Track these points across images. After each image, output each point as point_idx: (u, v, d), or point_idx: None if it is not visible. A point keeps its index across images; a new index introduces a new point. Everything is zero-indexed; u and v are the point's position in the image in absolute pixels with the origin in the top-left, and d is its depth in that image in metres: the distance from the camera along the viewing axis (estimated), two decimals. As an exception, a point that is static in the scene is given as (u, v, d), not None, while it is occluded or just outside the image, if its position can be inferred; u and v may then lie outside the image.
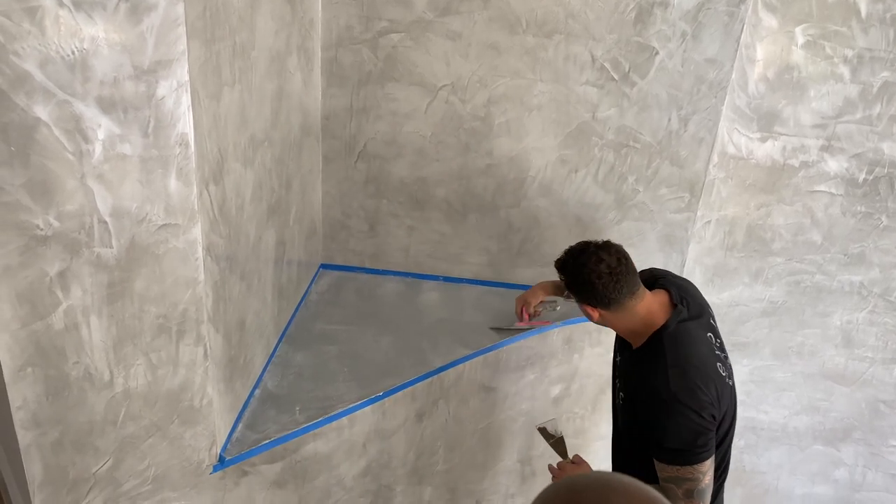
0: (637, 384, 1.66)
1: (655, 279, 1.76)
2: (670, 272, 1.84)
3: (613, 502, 0.70)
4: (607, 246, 1.66)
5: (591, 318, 1.69)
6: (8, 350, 1.17)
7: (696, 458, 1.53)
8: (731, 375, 1.66)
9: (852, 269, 2.40)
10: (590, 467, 1.82)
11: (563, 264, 1.70)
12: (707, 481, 1.54)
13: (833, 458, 2.76)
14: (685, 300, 1.68)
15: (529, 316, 2.10)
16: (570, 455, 1.85)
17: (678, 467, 1.54)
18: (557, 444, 1.87)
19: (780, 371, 2.60)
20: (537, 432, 1.90)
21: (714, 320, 1.73)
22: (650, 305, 1.64)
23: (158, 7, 1.13)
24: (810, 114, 2.17)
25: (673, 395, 1.52)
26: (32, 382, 1.22)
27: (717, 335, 1.70)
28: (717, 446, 1.65)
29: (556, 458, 1.86)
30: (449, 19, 2.02)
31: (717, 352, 1.64)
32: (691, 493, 1.53)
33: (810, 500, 2.86)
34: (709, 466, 1.54)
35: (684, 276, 2.11)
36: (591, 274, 1.62)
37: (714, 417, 1.55)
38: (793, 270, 2.42)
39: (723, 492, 1.79)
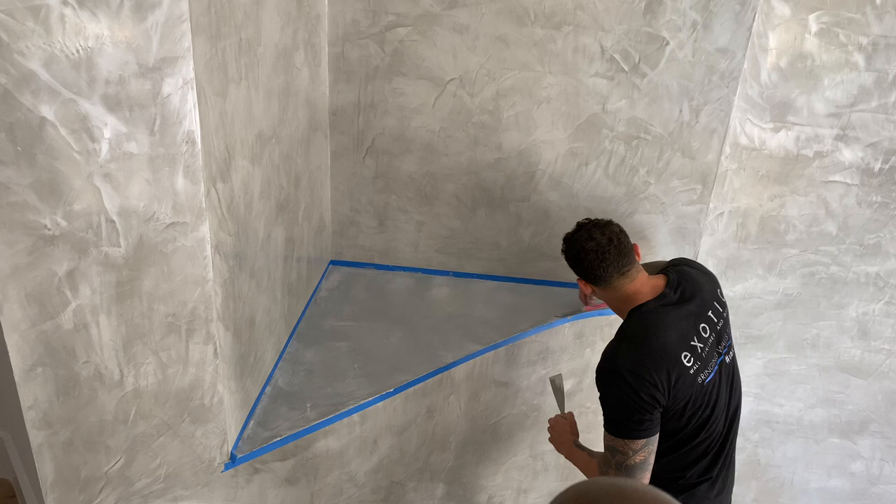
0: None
1: (671, 266, 1.81)
2: (696, 263, 1.86)
3: None
4: (602, 225, 1.75)
5: (584, 292, 1.81)
6: (18, 350, 1.17)
7: (629, 434, 1.59)
8: (704, 371, 1.65)
9: (868, 259, 2.37)
10: (573, 423, 1.93)
11: (565, 236, 1.82)
12: (637, 460, 1.59)
13: (849, 451, 2.73)
14: (682, 288, 1.71)
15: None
16: (567, 411, 1.99)
17: (612, 437, 1.62)
18: (558, 396, 2.01)
19: (794, 364, 2.58)
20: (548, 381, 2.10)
21: (717, 316, 1.72)
22: (640, 287, 1.71)
23: (163, 4, 1.12)
24: (824, 103, 2.14)
25: (617, 367, 1.61)
26: (43, 382, 1.22)
27: (713, 329, 1.69)
28: (685, 444, 1.70)
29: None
30: (456, 12, 2.00)
31: (693, 343, 1.64)
32: (620, 466, 1.61)
33: (826, 493, 2.83)
34: (642, 446, 1.59)
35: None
36: (580, 250, 1.73)
37: (657, 401, 1.58)
38: (807, 262, 2.39)
39: (702, 491, 1.77)
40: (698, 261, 2.35)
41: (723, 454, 1.76)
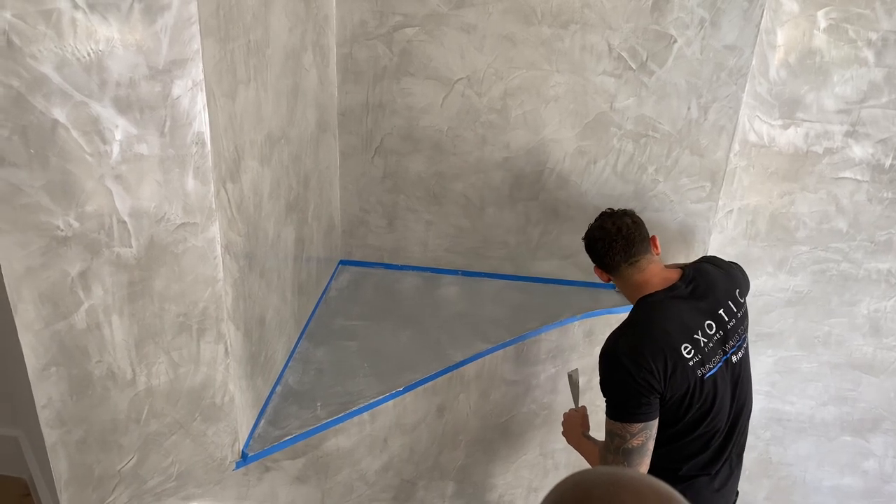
0: None
1: (695, 262, 1.85)
2: (723, 262, 1.87)
3: (623, 499, 0.69)
4: (616, 215, 1.80)
5: (601, 279, 1.86)
6: (32, 350, 1.18)
7: (627, 417, 1.63)
8: (706, 366, 1.66)
9: (879, 256, 2.35)
10: (585, 416, 1.97)
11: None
12: (635, 444, 1.62)
13: (862, 449, 2.71)
14: (695, 283, 1.73)
15: None
16: (581, 405, 2.02)
17: (611, 421, 1.65)
18: (574, 390, 2.06)
19: (805, 361, 2.56)
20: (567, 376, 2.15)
21: (729, 315, 1.72)
22: (651, 277, 1.74)
23: (172, 7, 1.13)
24: (834, 99, 2.13)
25: (616, 351, 1.65)
26: (57, 381, 1.24)
27: (721, 328, 1.69)
28: (684, 435, 1.71)
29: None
30: (463, 12, 2.01)
31: (696, 336, 1.65)
32: (619, 450, 1.64)
33: (839, 491, 2.81)
34: (639, 430, 1.62)
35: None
36: (591, 238, 1.82)
37: (652, 387, 1.60)
38: (818, 259, 2.38)
39: (701, 483, 1.77)
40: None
41: (725, 451, 1.76)
